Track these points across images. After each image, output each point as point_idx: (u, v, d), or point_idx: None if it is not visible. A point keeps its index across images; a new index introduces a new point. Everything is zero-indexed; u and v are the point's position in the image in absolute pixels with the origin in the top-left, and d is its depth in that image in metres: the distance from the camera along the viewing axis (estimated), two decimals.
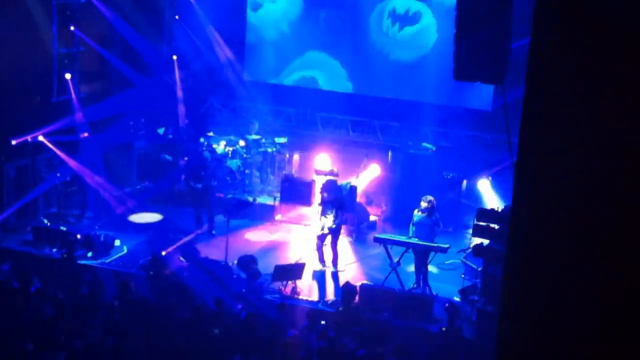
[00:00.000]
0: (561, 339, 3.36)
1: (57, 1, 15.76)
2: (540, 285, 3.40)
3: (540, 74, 3.34)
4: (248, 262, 13.09)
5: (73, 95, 15.79)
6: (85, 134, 15.62)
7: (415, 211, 13.06)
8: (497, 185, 15.07)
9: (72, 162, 15.12)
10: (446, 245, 12.98)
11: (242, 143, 17.00)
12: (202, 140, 17.02)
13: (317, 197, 14.70)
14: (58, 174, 15.18)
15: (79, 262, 13.36)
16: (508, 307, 3.65)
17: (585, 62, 3.16)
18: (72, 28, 16.11)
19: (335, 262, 13.49)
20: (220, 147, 16.88)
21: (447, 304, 11.84)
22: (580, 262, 3.20)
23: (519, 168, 3.51)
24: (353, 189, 15.45)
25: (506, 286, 3.70)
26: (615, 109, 3.15)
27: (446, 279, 13.46)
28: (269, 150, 17.08)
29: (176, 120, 17.57)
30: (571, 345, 3.34)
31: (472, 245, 12.94)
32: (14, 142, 14.72)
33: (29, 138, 14.84)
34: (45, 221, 14.85)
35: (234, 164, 16.63)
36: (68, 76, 15.66)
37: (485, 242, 11.95)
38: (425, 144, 16.61)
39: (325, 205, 13.42)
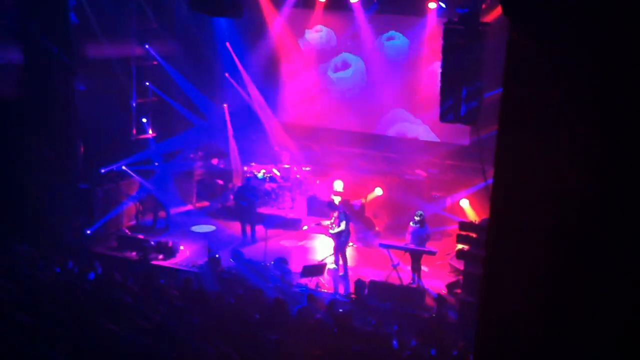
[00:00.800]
0: (530, 327, 3.23)
1: (136, 64, 15.98)
2: (511, 281, 3.31)
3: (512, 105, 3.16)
4: (282, 262, 13.10)
5: (148, 134, 15.94)
6: (156, 164, 15.73)
7: (411, 223, 13.04)
8: (474, 203, 15.06)
9: (147, 185, 15.22)
10: (435, 250, 12.93)
11: (276, 171, 17.05)
12: (245, 168, 17.09)
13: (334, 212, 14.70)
14: (136, 195, 15.27)
15: (152, 262, 13.43)
16: (486, 297, 3.56)
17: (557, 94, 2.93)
18: (147, 83, 16.31)
19: (345, 264, 13.33)
20: (260, 173, 16.93)
21: (436, 296, 11.80)
22: (549, 264, 3.05)
23: (496, 179, 3.36)
24: (362, 206, 15.47)
25: (485, 281, 3.60)
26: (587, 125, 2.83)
27: (435, 276, 13.40)
28: (297, 176, 17.11)
29: (227, 152, 17.66)
30: (537, 334, 3.21)
31: (455, 250, 12.88)
32: (102, 171, 14.87)
33: (114, 167, 14.97)
34: (127, 231, 14.91)
35: (270, 187, 16.68)
36: (144, 120, 15.83)
37: (466, 247, 11.91)
38: (418, 171, 16.61)
39: (339, 219, 13.37)
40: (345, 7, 16.16)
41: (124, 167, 15.00)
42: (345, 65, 18.01)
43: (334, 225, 13.28)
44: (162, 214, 15.46)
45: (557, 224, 2.95)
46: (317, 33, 18.06)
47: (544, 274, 3.14)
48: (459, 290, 12.14)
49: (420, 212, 13.12)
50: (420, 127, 17.40)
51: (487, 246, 3.55)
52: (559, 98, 2.93)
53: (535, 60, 3.00)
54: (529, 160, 3.09)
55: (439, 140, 17.14)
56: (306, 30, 18.12)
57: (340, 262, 13.30)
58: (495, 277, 3.46)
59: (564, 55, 2.89)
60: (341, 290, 12.61)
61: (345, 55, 18.04)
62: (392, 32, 17.34)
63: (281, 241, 14.94)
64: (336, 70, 18.16)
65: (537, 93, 3.03)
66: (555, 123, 2.95)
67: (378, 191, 16.06)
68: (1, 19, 13.87)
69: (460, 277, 12.42)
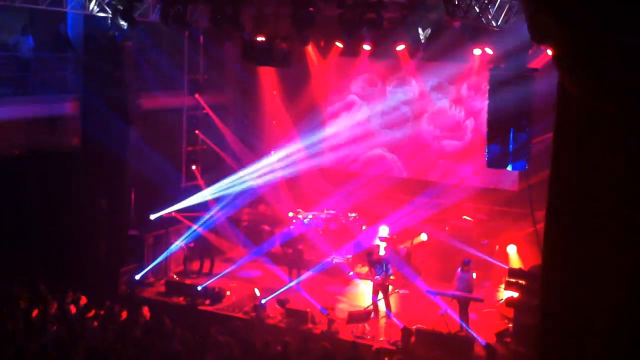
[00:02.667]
0: None
1: (187, 113, 16.35)
2: (570, 329, 3.18)
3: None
4: (328, 309, 12.95)
5: (197, 181, 16.13)
6: (204, 211, 15.83)
7: (458, 270, 12.78)
8: (522, 250, 14.69)
9: (195, 231, 15.33)
10: (482, 298, 12.62)
11: (323, 217, 17.02)
12: (291, 214, 17.10)
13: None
14: (184, 241, 15.38)
15: (199, 308, 13.43)
16: (544, 348, 3.43)
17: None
18: (196, 131, 16.61)
19: (388, 313, 13.01)
20: (306, 219, 16.91)
21: (485, 344, 11.45)
22: (606, 312, 2.93)
23: (547, 232, 3.27)
24: (408, 252, 15.26)
25: (541, 329, 3.46)
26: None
27: (484, 324, 13.02)
28: (343, 221, 17.03)
29: (270, 199, 17.71)
30: None
31: (504, 298, 12.53)
32: (152, 217, 15.07)
33: (163, 214, 15.17)
34: (175, 277, 14.99)
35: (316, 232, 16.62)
36: (194, 167, 16.08)
37: (515, 294, 11.58)
38: (465, 217, 16.36)
39: (383, 265, 13.16)
40: (391, 55, 16.26)
41: (173, 214, 15.17)
42: (392, 111, 18.06)
43: (380, 274, 13.07)
44: (208, 259, 15.50)
45: (622, 272, 2.85)
46: (362, 81, 18.20)
47: (606, 324, 3.02)
48: (508, 339, 11.76)
49: (467, 259, 12.87)
50: (468, 172, 17.21)
51: (541, 294, 3.44)
52: (608, 145, 2.87)
53: (585, 107, 2.95)
54: (583, 204, 3.01)
55: (486, 186, 16.90)
56: (353, 81, 18.30)
57: (383, 309, 13.05)
58: (552, 324, 3.34)
59: (614, 105, 2.84)
60: (388, 338, 12.34)
61: (390, 102, 18.08)
62: (437, 80, 17.36)
63: (327, 287, 14.75)
64: (383, 115, 18.21)
65: (588, 140, 2.97)
66: (606, 170, 2.89)
67: (423, 237, 15.83)
68: (60, 72, 14.41)
69: (510, 326, 12.05)
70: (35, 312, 11.48)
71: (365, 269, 15.46)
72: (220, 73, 17.58)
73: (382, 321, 12.86)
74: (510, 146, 10.59)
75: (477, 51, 14.68)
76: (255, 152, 17.97)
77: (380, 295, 13.00)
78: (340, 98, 18.83)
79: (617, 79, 2.79)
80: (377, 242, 15.62)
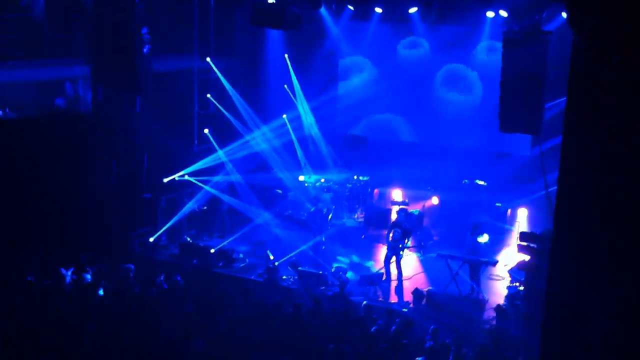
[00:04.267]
0: (595, 340, 3.13)
1: (198, 76, 16.28)
2: (578, 295, 3.21)
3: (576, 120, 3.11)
4: (340, 271, 13.05)
5: (212, 144, 16.12)
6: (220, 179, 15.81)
7: (469, 233, 12.81)
8: (533, 213, 14.70)
9: (208, 193, 15.38)
10: (495, 260, 12.67)
11: (335, 180, 17.03)
12: (301, 177, 17.12)
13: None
14: (197, 204, 15.45)
15: (213, 270, 13.57)
16: (551, 311, 3.46)
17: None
18: (208, 95, 16.55)
19: (399, 276, 12.95)
20: (318, 183, 16.95)
21: (496, 306, 11.54)
22: (615, 276, 2.94)
23: (560, 194, 3.25)
24: (421, 215, 15.28)
25: (550, 292, 3.50)
26: None
27: (495, 287, 13.11)
28: (354, 185, 17.05)
29: (284, 162, 17.72)
30: (603, 344, 3.11)
31: (516, 261, 12.56)
32: (165, 180, 15.14)
33: (176, 177, 15.23)
34: (188, 239, 15.11)
35: (327, 196, 16.65)
36: (206, 131, 16.07)
37: (527, 258, 11.61)
38: (477, 181, 16.33)
39: (396, 229, 13.16)
40: (403, 18, 16.06)
41: (186, 176, 15.23)
42: (404, 74, 17.91)
43: (391, 238, 13.08)
44: (222, 222, 15.60)
45: (631, 234, 2.85)
46: (374, 44, 17.99)
47: (614, 286, 3.04)
48: (519, 302, 11.82)
49: (477, 222, 12.88)
50: (480, 136, 17.12)
51: (552, 256, 3.46)
52: (624, 103, 2.85)
53: (599, 67, 2.92)
54: (596, 165, 3.00)
55: (499, 150, 16.83)
56: (364, 44, 18.10)
57: (395, 272, 13.11)
58: (562, 287, 3.36)
59: (628, 62, 2.80)
60: (399, 299, 12.45)
61: (402, 65, 17.93)
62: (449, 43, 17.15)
63: (339, 249, 14.84)
64: (394, 78, 18.08)
65: (602, 99, 2.95)
66: (621, 127, 2.86)
67: (435, 200, 15.86)
68: (69, 34, 14.34)
69: (521, 288, 12.11)
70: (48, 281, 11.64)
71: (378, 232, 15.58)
72: (230, 38, 17.43)
73: (394, 284, 12.94)
74: (523, 110, 10.51)
75: (490, 13, 14.48)
76: (266, 115, 17.91)
77: (393, 258, 13.05)
78: (352, 61, 18.69)
79: (631, 34, 2.76)
80: (390, 205, 15.71)
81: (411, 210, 15.20)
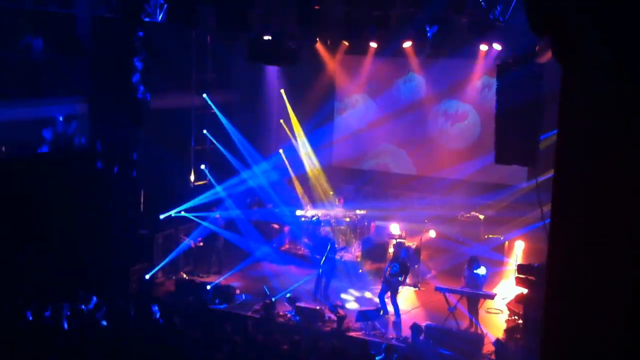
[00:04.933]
0: None
1: (195, 112, 16.37)
2: (575, 327, 3.14)
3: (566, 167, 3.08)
4: (337, 307, 12.92)
5: (206, 180, 16.13)
6: (217, 215, 15.77)
7: (466, 267, 12.73)
8: (530, 246, 14.62)
9: (204, 230, 15.33)
10: (493, 294, 12.57)
11: (332, 214, 17.00)
12: (298, 212, 17.08)
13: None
14: (192, 240, 15.36)
15: (209, 307, 13.44)
16: (547, 344, 3.38)
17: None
18: (204, 131, 16.61)
19: (396, 312, 12.76)
20: (314, 217, 16.90)
21: (495, 341, 11.40)
22: (615, 308, 2.87)
23: (552, 226, 3.22)
24: (418, 249, 15.21)
25: (545, 327, 3.42)
26: None
27: (494, 320, 12.98)
28: (351, 219, 16.99)
29: (281, 197, 17.70)
30: None
31: (514, 294, 12.46)
32: (161, 217, 15.10)
33: (172, 213, 15.19)
34: (184, 275, 15.00)
35: (324, 230, 16.55)
36: (203, 167, 16.10)
37: (525, 291, 11.52)
38: (474, 213, 16.30)
39: (395, 264, 13.08)
40: (398, 52, 16.22)
41: (182, 213, 15.19)
42: (399, 108, 17.98)
43: (389, 273, 12.98)
44: (218, 258, 15.51)
45: (625, 266, 2.80)
46: (369, 78, 18.13)
47: (610, 318, 2.98)
48: (518, 335, 11.69)
49: (474, 255, 12.82)
50: (476, 168, 17.13)
51: (547, 289, 3.40)
52: (615, 139, 2.83)
53: (590, 100, 2.91)
54: (589, 201, 2.97)
55: (495, 182, 16.82)
56: (360, 78, 18.23)
57: (390, 308, 12.96)
58: (557, 319, 3.30)
59: (618, 96, 2.80)
60: (397, 335, 12.30)
61: (397, 99, 18.02)
62: (444, 77, 17.29)
63: (336, 284, 14.67)
64: (390, 112, 18.15)
65: (593, 133, 2.94)
66: (613, 164, 2.85)
67: (432, 233, 15.78)
68: (68, 72, 14.44)
69: (520, 322, 11.99)
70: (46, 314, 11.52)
71: (375, 266, 15.48)
72: (227, 72, 17.59)
73: (391, 318, 12.80)
74: (519, 142, 10.53)
75: (483, 47, 14.63)
76: (263, 150, 17.97)
77: (388, 293, 12.93)
78: (348, 95, 18.81)
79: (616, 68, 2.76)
80: (387, 239, 15.63)
81: (408, 244, 15.12)
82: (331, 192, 17.81)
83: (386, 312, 12.89)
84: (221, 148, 16.77)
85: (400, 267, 12.91)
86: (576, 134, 3.07)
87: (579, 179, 3.03)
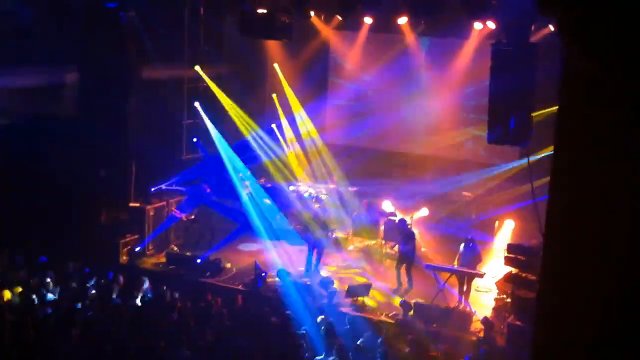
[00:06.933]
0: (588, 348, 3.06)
1: (187, 85, 16.22)
2: (569, 306, 3.15)
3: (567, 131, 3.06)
4: (327, 282, 12.99)
5: (198, 154, 16.06)
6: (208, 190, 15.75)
7: (461, 245, 12.81)
8: (520, 225, 14.71)
9: (195, 202, 15.31)
10: (483, 272, 12.67)
11: (324, 191, 17.00)
12: (292, 188, 17.08)
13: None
14: (184, 212, 15.35)
15: (199, 279, 13.48)
16: (541, 321, 3.40)
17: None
18: (196, 104, 16.47)
19: (410, 282, 13.20)
20: (306, 193, 16.89)
21: (483, 318, 11.52)
22: (610, 288, 2.88)
23: (551, 200, 3.20)
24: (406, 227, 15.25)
25: (539, 305, 3.43)
26: None
27: (483, 299, 13.09)
28: (343, 196, 17.00)
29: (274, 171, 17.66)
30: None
31: (504, 273, 12.56)
32: (152, 190, 15.06)
33: (163, 186, 15.14)
34: (175, 249, 15.02)
35: (317, 206, 16.58)
36: (195, 140, 16.02)
37: (514, 270, 11.62)
38: (464, 193, 16.36)
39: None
40: (393, 29, 16.11)
41: (174, 186, 15.15)
42: (393, 85, 17.89)
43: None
44: (209, 231, 15.51)
45: (620, 245, 2.81)
46: (364, 54, 18.02)
47: (604, 299, 3.00)
48: (507, 314, 11.82)
49: (471, 235, 12.92)
50: (469, 147, 17.16)
51: (542, 268, 3.41)
52: (617, 115, 2.82)
53: (592, 77, 2.90)
54: (588, 179, 2.97)
55: (487, 161, 16.85)
56: (355, 54, 18.11)
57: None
58: (551, 301, 3.32)
59: (620, 72, 2.79)
60: (387, 311, 12.41)
61: (391, 75, 17.89)
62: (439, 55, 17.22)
63: (326, 260, 14.76)
64: (384, 89, 18.07)
65: (595, 110, 2.92)
66: (614, 140, 2.84)
67: (424, 211, 15.81)
68: (60, 42, 14.29)
69: (508, 301, 12.11)
70: (35, 284, 11.55)
71: (366, 243, 15.56)
72: (220, 45, 17.40)
73: (383, 295, 12.91)
74: (512, 122, 10.54)
75: (478, 25, 14.56)
76: (257, 124, 17.87)
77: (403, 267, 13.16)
78: (343, 71, 18.70)
79: (624, 50, 2.75)
80: (379, 217, 15.68)
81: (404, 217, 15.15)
82: (333, 169, 17.72)
83: (400, 285, 13.21)
84: (209, 122, 16.60)
85: (409, 238, 13.06)
86: (576, 113, 3.06)
87: (576, 161, 3.03)
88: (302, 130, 18.22)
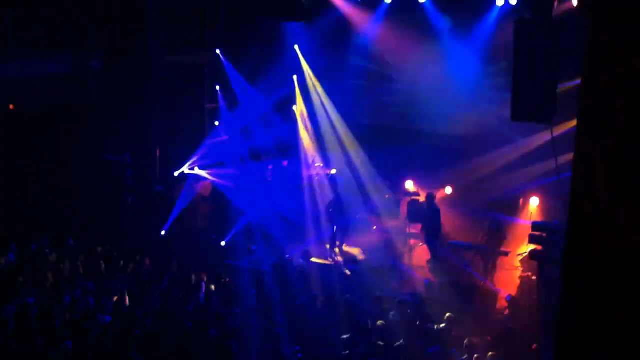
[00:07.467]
0: (611, 324, 3.08)
1: (209, 69, 16.27)
2: (594, 282, 3.16)
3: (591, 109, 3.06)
4: (351, 262, 13.06)
5: (221, 137, 16.15)
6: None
7: (487, 224, 12.79)
8: (545, 202, 14.57)
9: (219, 185, 15.41)
10: (508, 251, 12.64)
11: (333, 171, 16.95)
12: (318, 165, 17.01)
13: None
14: (208, 196, 15.44)
15: (226, 262, 13.62)
16: (566, 300, 3.41)
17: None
18: (217, 87, 16.51)
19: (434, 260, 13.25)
20: (330, 172, 16.84)
21: (509, 297, 11.52)
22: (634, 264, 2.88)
23: (575, 178, 3.20)
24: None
25: (564, 284, 3.44)
26: None
27: (508, 277, 13.07)
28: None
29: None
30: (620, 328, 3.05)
31: (529, 251, 12.51)
32: (176, 174, 15.21)
33: (185, 170, 15.28)
34: (200, 231, 15.14)
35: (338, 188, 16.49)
36: (217, 123, 16.09)
37: (539, 248, 11.59)
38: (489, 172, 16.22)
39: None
40: (414, 7, 15.94)
41: (197, 169, 15.28)
42: (411, 66, 17.73)
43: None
44: (233, 214, 15.61)
45: None
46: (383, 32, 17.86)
47: (627, 275, 3.01)
48: (531, 292, 11.80)
49: (497, 214, 12.90)
50: (492, 125, 16.98)
51: (566, 247, 3.42)
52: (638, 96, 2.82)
53: (616, 53, 2.89)
54: (613, 155, 2.97)
55: (511, 138, 16.65)
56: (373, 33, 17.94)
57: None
58: (576, 279, 3.32)
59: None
60: (411, 290, 12.45)
61: (416, 53, 17.71)
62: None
63: (350, 241, 14.77)
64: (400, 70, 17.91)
65: (619, 86, 2.91)
66: (637, 118, 2.83)
67: (448, 190, 15.75)
68: (84, 30, 14.42)
69: (534, 278, 12.08)
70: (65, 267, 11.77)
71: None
72: (242, 28, 17.39)
73: (406, 273, 12.95)
74: (536, 99, 10.44)
75: (500, 2, 14.38)
76: (278, 107, 17.85)
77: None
78: (363, 51, 18.54)
79: None
80: (401, 197, 15.64)
81: (422, 202, 15.12)
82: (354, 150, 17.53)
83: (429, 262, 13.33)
84: (226, 106, 16.60)
85: (435, 213, 13.23)
86: (599, 94, 3.06)
87: (601, 138, 3.02)
88: (321, 112, 18.13)
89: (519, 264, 13.02)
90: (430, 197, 14.00)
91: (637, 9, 2.70)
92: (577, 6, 3.10)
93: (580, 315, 3.27)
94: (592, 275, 3.19)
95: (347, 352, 8.94)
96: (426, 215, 13.58)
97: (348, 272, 12.69)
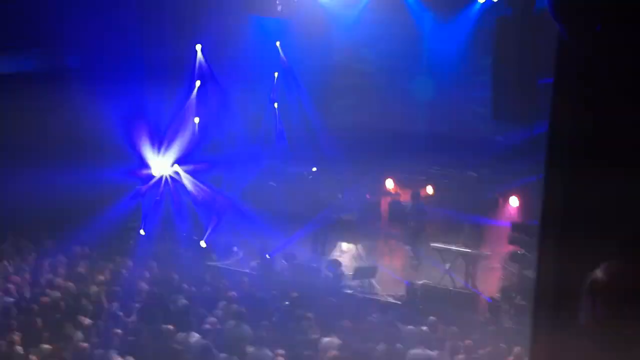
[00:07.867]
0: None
1: (186, 64, 16.06)
2: (566, 282, 3.14)
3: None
4: (335, 264, 12.98)
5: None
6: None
7: (466, 225, 12.77)
8: (524, 202, 14.57)
9: (200, 187, 15.28)
10: (488, 253, 12.62)
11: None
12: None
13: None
14: (190, 196, 15.29)
15: (207, 263, 13.49)
16: (541, 301, 3.40)
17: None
18: (197, 82, 16.33)
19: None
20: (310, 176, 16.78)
21: (490, 300, 11.52)
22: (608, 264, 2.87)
23: (547, 182, 3.21)
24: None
25: (539, 285, 3.43)
26: None
27: (489, 279, 13.04)
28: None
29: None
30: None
31: (510, 252, 12.49)
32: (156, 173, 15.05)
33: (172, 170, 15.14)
34: (183, 232, 14.96)
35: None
36: (197, 120, 15.92)
37: (520, 249, 11.60)
38: (470, 172, 16.22)
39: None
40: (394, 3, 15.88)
41: (179, 170, 15.12)
42: (391, 63, 17.66)
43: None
44: (216, 215, 15.46)
45: (619, 227, 2.82)
46: None
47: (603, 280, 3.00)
48: (513, 294, 11.78)
49: (471, 213, 12.89)
50: (471, 124, 16.93)
51: (539, 248, 3.44)
52: (611, 93, 2.83)
53: (585, 57, 2.89)
54: (583, 158, 2.98)
55: (489, 137, 16.60)
56: None
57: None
58: (550, 279, 3.31)
59: (614, 51, 2.79)
60: (393, 293, 12.38)
61: (391, 52, 17.63)
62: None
63: (333, 242, 14.70)
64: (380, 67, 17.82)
65: (589, 88, 2.93)
66: (610, 118, 2.85)
67: (429, 190, 15.68)
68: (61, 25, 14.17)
69: (515, 280, 12.08)
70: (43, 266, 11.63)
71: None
72: (226, 24, 17.17)
73: (389, 276, 12.90)
74: (515, 97, 10.43)
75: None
76: (258, 103, 17.71)
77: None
78: (344, 48, 18.37)
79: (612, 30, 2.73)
80: (381, 196, 15.59)
81: (404, 202, 15.05)
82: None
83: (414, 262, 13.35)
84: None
85: (420, 213, 13.23)
86: (568, 91, 3.05)
87: (571, 136, 3.01)
88: (302, 111, 18.00)
89: (499, 266, 13.02)
90: (415, 196, 13.92)
91: (608, 11, 2.70)
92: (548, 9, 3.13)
93: (553, 319, 3.27)
94: (565, 280, 3.19)
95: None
96: (410, 215, 13.47)
97: (330, 275, 12.59)
